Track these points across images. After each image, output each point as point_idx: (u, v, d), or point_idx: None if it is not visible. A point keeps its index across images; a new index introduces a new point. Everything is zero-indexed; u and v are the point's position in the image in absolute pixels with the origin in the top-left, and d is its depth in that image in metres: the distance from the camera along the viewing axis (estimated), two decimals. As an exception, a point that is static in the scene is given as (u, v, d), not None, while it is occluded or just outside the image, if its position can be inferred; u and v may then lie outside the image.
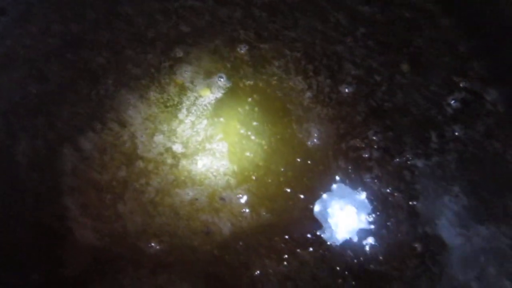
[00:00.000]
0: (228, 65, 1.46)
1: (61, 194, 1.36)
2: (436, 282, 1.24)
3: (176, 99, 1.43)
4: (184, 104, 1.42)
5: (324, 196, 1.32)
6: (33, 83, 1.48)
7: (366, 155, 1.35)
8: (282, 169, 1.35)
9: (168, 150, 1.38)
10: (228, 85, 1.44)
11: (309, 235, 1.30)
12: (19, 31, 1.54)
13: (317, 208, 1.31)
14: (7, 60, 1.51)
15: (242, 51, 1.47)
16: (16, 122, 1.42)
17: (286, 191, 1.33)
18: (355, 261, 1.26)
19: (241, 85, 1.44)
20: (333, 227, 1.30)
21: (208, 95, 1.42)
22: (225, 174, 1.35)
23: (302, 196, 1.33)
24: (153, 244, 1.30)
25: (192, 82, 1.44)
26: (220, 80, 1.44)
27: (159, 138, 1.39)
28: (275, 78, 1.44)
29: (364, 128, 1.38)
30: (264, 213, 1.31)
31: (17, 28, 1.54)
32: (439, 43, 1.49)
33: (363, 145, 1.36)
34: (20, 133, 1.41)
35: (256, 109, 1.41)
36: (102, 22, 1.55)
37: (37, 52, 1.52)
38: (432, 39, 1.50)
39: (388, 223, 1.28)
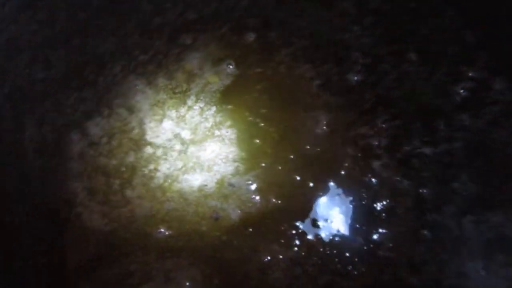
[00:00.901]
0: (236, 53, 1.46)
1: (69, 179, 1.35)
2: (444, 268, 1.24)
3: (185, 85, 1.42)
4: (192, 91, 1.42)
5: (333, 183, 1.32)
6: (39, 69, 1.47)
7: (375, 143, 1.35)
8: (291, 156, 1.35)
9: (177, 136, 1.38)
10: (236, 72, 1.44)
11: (318, 221, 1.30)
12: (25, 17, 1.53)
13: (325, 194, 1.31)
14: (12, 45, 1.50)
15: (250, 39, 1.47)
16: (22, 107, 1.41)
17: (295, 178, 1.33)
18: (364, 247, 1.27)
19: (249, 72, 1.44)
20: (342, 214, 1.30)
21: (217, 82, 1.42)
22: (234, 161, 1.35)
23: (311, 183, 1.34)
24: (161, 229, 1.30)
25: (200, 69, 1.44)
26: (228, 67, 1.43)
27: (167, 124, 1.39)
28: (283, 66, 1.44)
29: (373, 116, 1.38)
30: (273, 200, 1.31)
31: (23, 14, 1.53)
32: (446, 32, 1.49)
33: (372, 133, 1.36)
34: (27, 118, 1.41)
35: (264, 96, 1.41)
36: (108, 8, 1.54)
37: (43, 38, 1.51)
38: (439, 28, 1.50)
39: (397, 210, 1.29)
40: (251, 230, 1.29)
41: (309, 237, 1.28)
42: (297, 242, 1.28)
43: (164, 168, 1.35)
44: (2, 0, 1.48)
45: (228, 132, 1.38)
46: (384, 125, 1.38)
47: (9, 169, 1.36)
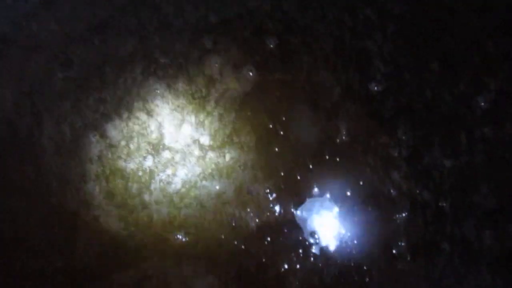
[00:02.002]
0: (257, 58, 1.44)
1: (87, 181, 1.35)
2: (463, 282, 1.24)
3: (204, 90, 1.42)
4: (212, 96, 1.41)
5: (353, 193, 1.31)
6: (58, 67, 1.46)
7: (395, 153, 1.34)
8: (311, 166, 1.34)
9: (196, 141, 1.37)
10: (256, 78, 1.43)
11: (336, 232, 1.29)
12: (44, 15, 1.52)
13: (345, 205, 1.30)
14: (32, 43, 1.50)
15: (271, 44, 1.46)
16: (41, 105, 1.41)
17: (314, 187, 1.32)
18: (382, 258, 1.26)
19: (270, 78, 1.43)
20: (360, 225, 1.29)
21: (237, 88, 1.41)
22: (252, 168, 1.34)
23: (329, 195, 1.33)
24: (179, 235, 1.29)
25: (220, 74, 1.43)
26: (249, 73, 1.42)
27: (186, 129, 1.38)
28: (304, 72, 1.43)
29: (393, 126, 1.37)
30: (291, 209, 1.31)
31: (42, 12, 1.52)
32: (468, 42, 1.48)
33: (392, 143, 1.35)
34: (46, 116, 1.40)
35: (284, 103, 1.40)
36: (129, 8, 1.52)
37: (63, 37, 1.50)
38: (461, 38, 1.49)
39: (416, 222, 1.28)
40: (269, 238, 1.28)
41: (327, 247, 1.27)
42: (315, 252, 1.27)
43: (182, 173, 1.35)
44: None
45: (247, 139, 1.37)
46: (404, 136, 1.37)
47: (27, 167, 1.36)
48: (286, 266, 1.26)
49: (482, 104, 1.39)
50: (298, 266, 1.26)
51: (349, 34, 1.48)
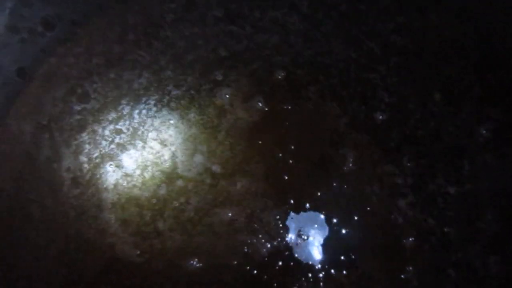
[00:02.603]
0: (266, 89, 1.51)
1: (103, 210, 1.40)
2: (469, 308, 1.26)
3: (216, 120, 1.47)
4: (223, 126, 1.47)
5: (360, 220, 1.35)
6: (76, 100, 1.52)
7: (400, 181, 1.39)
8: (318, 193, 1.39)
9: (208, 170, 1.42)
10: (265, 108, 1.48)
11: (343, 258, 1.33)
12: (63, 50, 1.59)
13: (352, 232, 1.34)
14: (50, 76, 1.56)
15: (279, 76, 1.52)
16: (59, 137, 1.47)
17: (322, 215, 1.37)
18: (391, 284, 1.29)
19: (278, 108, 1.49)
20: (367, 252, 1.33)
21: (247, 118, 1.47)
22: (262, 196, 1.39)
23: (335, 220, 1.37)
24: (191, 262, 1.33)
25: (231, 105, 1.49)
26: (258, 104, 1.48)
27: (198, 158, 1.44)
28: (311, 103, 1.49)
29: (398, 155, 1.42)
30: (301, 235, 1.34)
31: (61, 47, 1.59)
32: (470, 73, 1.54)
33: (397, 171, 1.40)
34: (64, 149, 1.46)
35: (293, 132, 1.46)
36: (143, 43, 1.60)
37: (80, 71, 1.56)
38: (463, 70, 1.55)
39: (422, 248, 1.32)
40: (280, 264, 1.32)
41: (336, 274, 1.31)
42: (325, 278, 1.30)
43: (194, 201, 1.40)
44: (41, 30, 1.54)
45: (257, 168, 1.42)
46: (409, 164, 1.41)
47: (46, 198, 1.41)
48: (296, 292, 1.29)
49: (484, 133, 1.44)
50: (308, 292, 1.29)
51: (354, 66, 1.54)
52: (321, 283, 1.29)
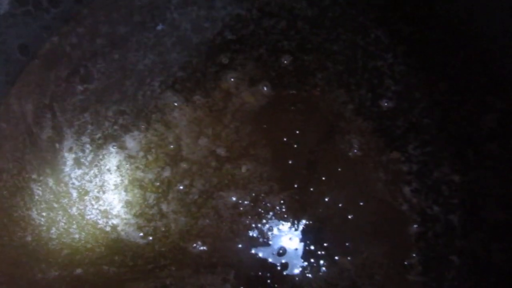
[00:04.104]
0: (272, 74, 1.50)
1: (106, 191, 1.38)
2: (472, 294, 1.28)
3: (221, 104, 1.46)
4: (228, 109, 1.46)
5: (364, 206, 1.35)
6: (79, 80, 1.50)
7: (405, 168, 1.39)
8: (324, 178, 1.38)
9: (212, 153, 1.41)
10: (271, 93, 1.47)
11: (347, 243, 1.33)
12: (66, 29, 1.56)
13: (357, 218, 1.34)
14: (53, 56, 1.54)
15: (285, 61, 1.51)
16: (62, 117, 1.44)
17: (327, 200, 1.36)
18: (394, 270, 1.29)
19: (284, 94, 1.48)
20: (372, 237, 1.33)
21: (253, 102, 1.46)
22: (268, 180, 1.38)
23: (341, 205, 1.37)
24: (196, 244, 1.32)
25: (237, 88, 1.48)
26: (264, 88, 1.47)
27: (203, 141, 1.42)
28: (318, 89, 1.48)
29: (404, 142, 1.42)
30: (305, 220, 1.34)
31: (65, 26, 1.56)
32: (476, 64, 1.54)
33: (403, 159, 1.40)
34: (66, 129, 1.44)
35: (298, 118, 1.45)
36: (148, 25, 1.58)
37: (83, 51, 1.54)
38: (469, 60, 1.55)
39: (426, 235, 1.32)
40: (284, 249, 1.31)
41: (340, 258, 1.31)
42: (329, 263, 1.31)
43: (199, 184, 1.38)
44: (46, 5, 1.51)
45: (263, 152, 1.41)
46: (414, 151, 1.42)
47: (48, 178, 1.39)
48: (301, 277, 1.29)
49: (489, 122, 1.44)
50: (312, 276, 1.29)
51: (361, 53, 1.54)
52: (325, 268, 1.29)
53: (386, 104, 1.47)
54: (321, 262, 1.31)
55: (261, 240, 1.33)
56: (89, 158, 1.42)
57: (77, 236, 1.34)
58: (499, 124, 1.45)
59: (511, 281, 1.29)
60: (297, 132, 1.44)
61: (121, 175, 1.40)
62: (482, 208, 1.36)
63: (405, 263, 1.30)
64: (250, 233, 1.33)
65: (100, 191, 1.39)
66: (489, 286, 1.28)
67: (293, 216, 1.35)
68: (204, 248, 1.32)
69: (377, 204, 1.37)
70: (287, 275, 1.29)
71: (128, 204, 1.37)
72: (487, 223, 1.34)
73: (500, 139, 1.43)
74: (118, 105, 1.47)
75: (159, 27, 1.56)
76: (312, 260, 1.31)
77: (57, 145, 1.42)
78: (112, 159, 1.41)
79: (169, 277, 1.30)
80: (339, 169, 1.40)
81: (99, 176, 1.40)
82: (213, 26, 1.57)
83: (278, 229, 1.33)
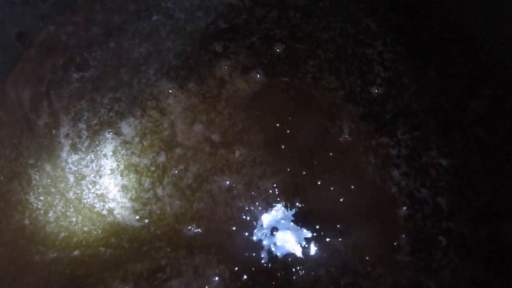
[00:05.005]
0: (265, 62, 1.53)
1: (102, 175, 1.41)
2: (459, 273, 1.31)
3: (215, 91, 1.49)
4: (222, 96, 1.49)
5: (355, 189, 1.39)
6: (75, 68, 1.53)
7: (395, 152, 1.43)
8: (315, 162, 1.42)
9: (207, 139, 1.44)
10: (264, 81, 1.51)
11: (338, 225, 1.37)
12: (62, 18, 1.59)
13: (347, 200, 1.38)
14: (49, 44, 1.56)
15: (277, 49, 1.54)
16: (58, 104, 1.47)
17: (319, 183, 1.40)
18: (384, 251, 1.33)
19: (277, 81, 1.51)
20: (362, 219, 1.37)
21: (246, 89, 1.49)
22: (261, 164, 1.42)
23: (332, 188, 1.40)
24: (190, 227, 1.35)
25: (230, 76, 1.51)
26: (257, 76, 1.50)
27: (198, 127, 1.45)
28: (309, 76, 1.52)
29: (393, 127, 1.45)
30: (297, 203, 1.38)
31: (60, 15, 1.59)
32: (464, 51, 1.58)
33: (392, 143, 1.44)
34: (62, 116, 1.46)
35: (291, 104, 1.48)
36: (143, 14, 1.60)
37: (79, 40, 1.57)
38: (456, 48, 1.59)
39: (415, 217, 1.36)
40: (277, 230, 1.35)
41: (331, 240, 1.34)
42: (321, 244, 1.34)
43: (193, 168, 1.41)
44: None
45: (256, 137, 1.45)
46: (403, 136, 1.45)
47: (45, 163, 1.41)
48: (293, 258, 1.32)
49: (476, 108, 1.48)
50: (304, 257, 1.32)
51: (351, 41, 1.57)
52: (317, 249, 1.33)
53: (375, 90, 1.50)
54: (313, 243, 1.34)
55: (254, 222, 1.36)
56: (85, 144, 1.44)
57: (74, 219, 1.37)
58: (485, 110, 1.49)
59: (496, 260, 1.33)
60: (289, 118, 1.47)
61: (117, 160, 1.42)
62: (468, 190, 1.40)
63: (394, 243, 1.34)
64: (244, 216, 1.36)
65: (96, 176, 1.41)
66: (475, 265, 1.32)
67: (285, 199, 1.38)
68: (199, 230, 1.35)
69: (367, 187, 1.41)
70: (279, 256, 1.32)
71: (124, 188, 1.40)
72: (473, 205, 1.38)
73: (486, 124, 1.47)
74: (114, 92, 1.50)
75: (154, 17, 1.58)
76: (304, 242, 1.34)
77: (54, 131, 1.44)
78: (108, 145, 1.44)
79: (164, 258, 1.33)
80: (331, 154, 1.43)
81: (95, 161, 1.42)
82: (206, 15, 1.60)
83: (271, 212, 1.37)
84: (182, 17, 1.59)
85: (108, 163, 1.42)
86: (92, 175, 1.41)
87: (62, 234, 1.34)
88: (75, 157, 1.42)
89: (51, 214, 1.36)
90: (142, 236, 1.35)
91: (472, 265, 1.33)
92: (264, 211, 1.37)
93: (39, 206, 1.37)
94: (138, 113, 1.47)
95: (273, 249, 1.33)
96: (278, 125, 1.46)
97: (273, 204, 1.37)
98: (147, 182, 1.40)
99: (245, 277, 1.30)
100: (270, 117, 1.46)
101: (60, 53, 1.54)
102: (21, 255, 1.32)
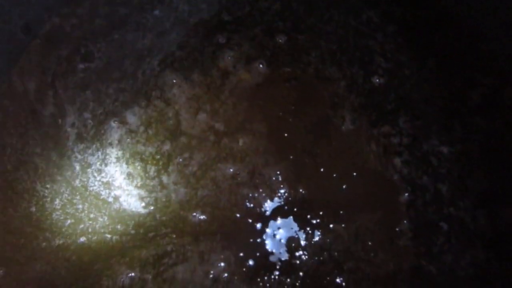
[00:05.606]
0: (268, 53, 1.55)
1: (108, 164, 1.43)
2: (459, 258, 1.34)
3: (219, 81, 1.51)
4: (226, 87, 1.51)
5: (357, 176, 1.41)
6: (80, 59, 1.54)
7: (396, 141, 1.45)
8: (318, 151, 1.44)
9: (211, 128, 1.46)
10: (267, 71, 1.53)
11: (341, 211, 1.39)
12: (66, 10, 1.61)
13: (349, 187, 1.40)
14: (54, 36, 1.58)
15: (280, 40, 1.57)
16: (64, 95, 1.49)
17: (321, 171, 1.42)
18: (386, 236, 1.35)
19: (279, 71, 1.53)
20: (364, 206, 1.39)
21: (249, 79, 1.51)
22: (264, 152, 1.44)
23: (335, 175, 1.42)
24: (195, 214, 1.37)
25: (234, 67, 1.53)
26: (260, 66, 1.53)
27: (202, 116, 1.47)
28: (312, 67, 1.54)
29: (394, 116, 1.48)
30: (300, 190, 1.40)
31: (65, 7, 1.60)
32: (463, 42, 1.60)
33: (394, 132, 1.46)
34: (68, 106, 1.48)
35: (293, 94, 1.50)
36: (147, 6, 1.62)
37: (84, 32, 1.59)
38: (456, 38, 1.61)
39: (416, 203, 1.38)
40: (280, 217, 1.37)
41: (334, 226, 1.36)
42: (324, 230, 1.36)
43: (198, 157, 1.44)
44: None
45: (259, 126, 1.47)
46: (405, 125, 1.48)
47: (51, 152, 1.43)
48: (297, 244, 1.34)
49: (475, 97, 1.51)
50: (307, 243, 1.34)
51: (353, 33, 1.60)
52: (320, 235, 1.35)
53: (377, 80, 1.53)
54: (316, 229, 1.36)
55: (258, 209, 1.38)
56: (91, 133, 1.46)
57: (80, 206, 1.38)
58: (485, 99, 1.51)
59: (496, 244, 1.35)
60: (292, 107, 1.49)
61: (122, 149, 1.44)
62: (468, 177, 1.42)
63: (396, 229, 1.36)
64: (248, 203, 1.38)
65: (102, 164, 1.43)
66: (475, 249, 1.35)
67: (288, 187, 1.40)
68: (204, 217, 1.37)
69: (369, 175, 1.43)
70: (283, 242, 1.34)
71: (129, 176, 1.41)
72: (473, 192, 1.41)
73: (486, 113, 1.49)
74: (118, 83, 1.52)
75: (157, 9, 1.60)
76: (307, 228, 1.36)
77: (59, 120, 1.46)
78: (114, 133, 1.46)
79: (170, 244, 1.34)
80: (333, 142, 1.46)
81: (101, 149, 1.44)
82: (210, 8, 1.62)
83: (275, 199, 1.39)
84: (185, 9, 1.61)
85: (114, 152, 1.44)
86: (98, 163, 1.43)
87: (69, 221, 1.36)
88: (81, 146, 1.44)
89: (57, 201, 1.38)
90: (148, 222, 1.37)
91: (472, 250, 1.35)
92: (267, 198, 1.39)
93: (46, 194, 1.39)
94: (143, 103, 1.49)
95: (276, 235, 1.35)
96: (280, 114, 1.48)
97: (277, 191, 1.40)
98: (152, 170, 1.42)
99: (249, 262, 1.32)
100: (273, 107, 1.49)
101: (64, 45, 1.56)
102: (28, 242, 1.34)
